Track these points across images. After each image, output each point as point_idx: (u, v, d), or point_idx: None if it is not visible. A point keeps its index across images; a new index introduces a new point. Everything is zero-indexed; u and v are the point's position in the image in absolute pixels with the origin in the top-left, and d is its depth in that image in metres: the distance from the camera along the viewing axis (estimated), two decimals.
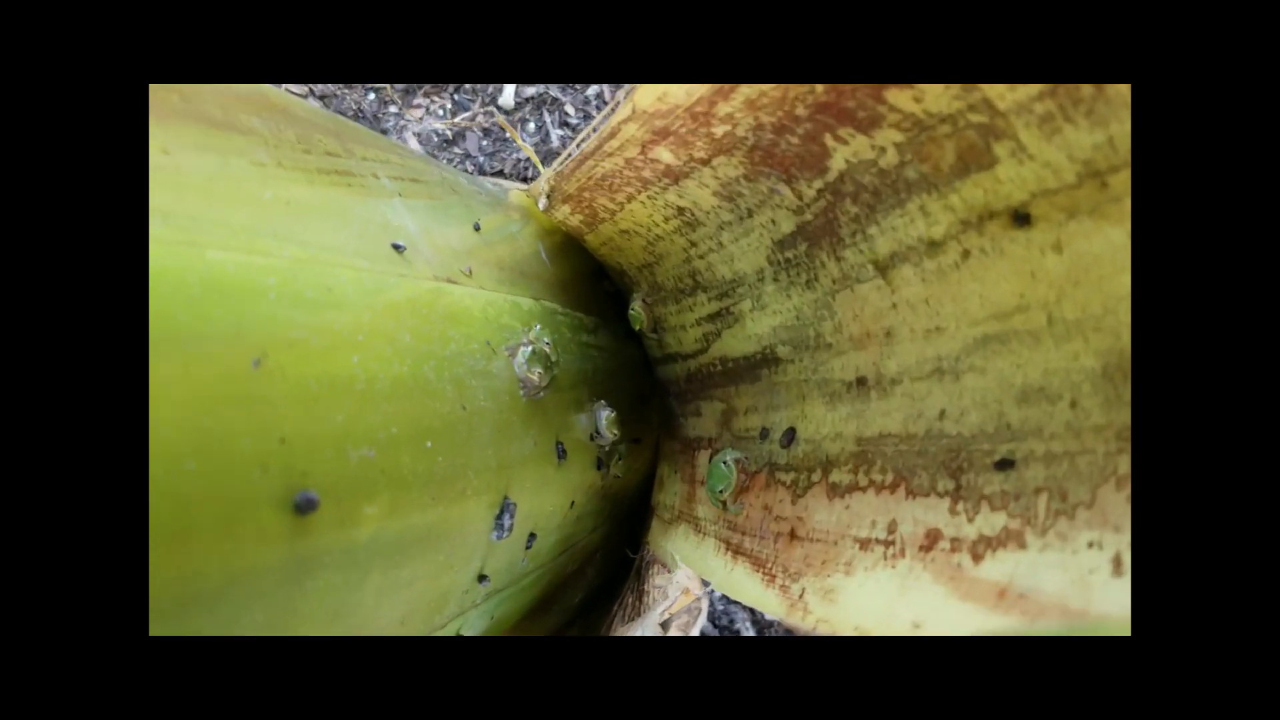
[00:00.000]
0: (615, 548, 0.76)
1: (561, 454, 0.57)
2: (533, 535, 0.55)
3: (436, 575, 0.45)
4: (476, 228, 0.59)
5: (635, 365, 0.74)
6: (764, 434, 0.53)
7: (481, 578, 0.50)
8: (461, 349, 0.47)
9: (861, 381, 0.44)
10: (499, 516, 0.49)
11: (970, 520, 0.36)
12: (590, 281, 0.72)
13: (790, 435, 0.50)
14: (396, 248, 0.48)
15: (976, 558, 0.35)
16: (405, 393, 0.41)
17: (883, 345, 0.42)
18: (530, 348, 0.52)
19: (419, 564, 0.43)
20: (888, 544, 0.40)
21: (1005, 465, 0.35)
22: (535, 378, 0.52)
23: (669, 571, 0.61)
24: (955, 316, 0.37)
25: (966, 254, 0.35)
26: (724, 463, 0.55)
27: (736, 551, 0.53)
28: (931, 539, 0.38)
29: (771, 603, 0.46)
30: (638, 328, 0.65)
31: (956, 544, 0.36)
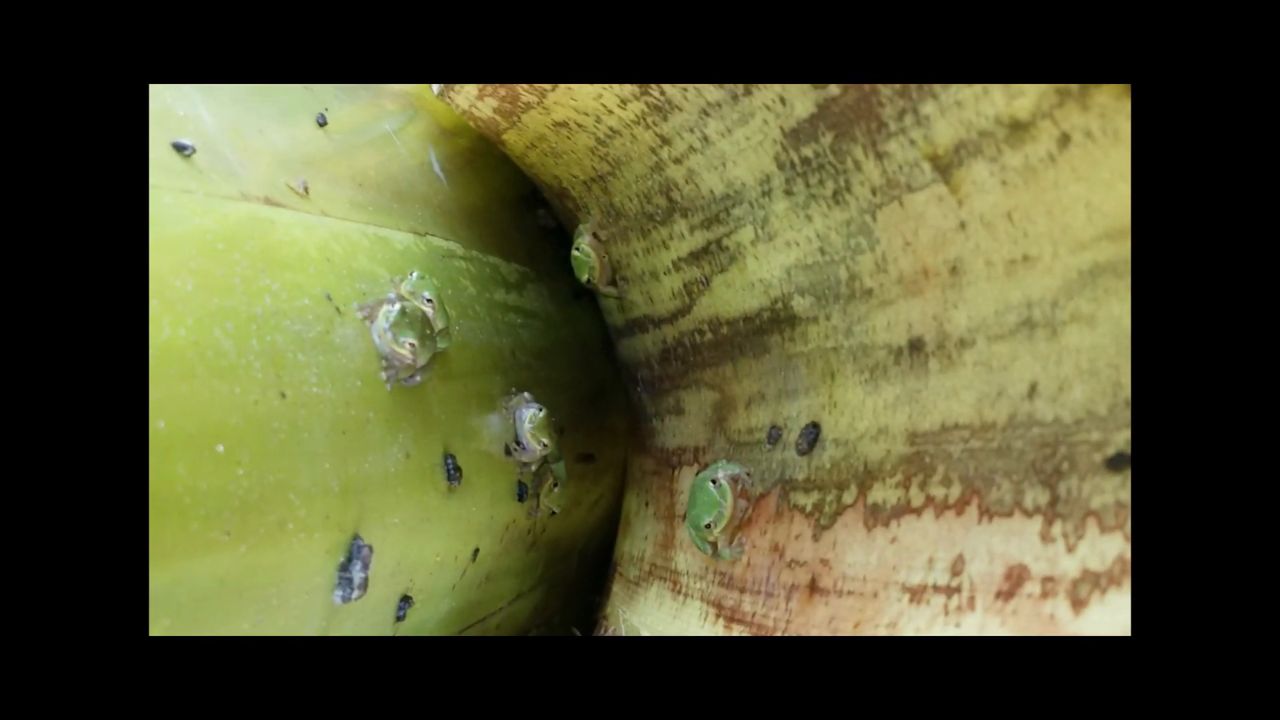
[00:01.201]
0: (560, 629, 0.77)
1: (453, 474, 0.57)
2: (407, 599, 0.55)
3: None
4: (321, 122, 0.60)
5: (586, 342, 0.75)
6: (774, 435, 0.54)
7: None
8: (283, 305, 0.47)
9: (917, 345, 0.45)
10: (345, 566, 0.49)
11: (1070, 549, 0.37)
12: (514, 211, 0.72)
13: (812, 434, 0.51)
14: (180, 149, 0.48)
15: (1078, 604, 0.36)
16: (182, 368, 0.41)
17: (946, 288, 0.42)
18: (399, 305, 0.52)
19: (208, 633, 0.42)
20: (950, 591, 0.41)
21: (1121, 463, 0.35)
22: (407, 352, 0.52)
23: None
24: (1051, 238, 0.37)
25: (1065, 140, 0.36)
26: (713, 483, 0.55)
27: (731, 618, 0.54)
28: (1014, 580, 0.38)
29: None
30: (586, 279, 0.66)
31: (1050, 586, 0.37)
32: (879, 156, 0.43)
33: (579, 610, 0.77)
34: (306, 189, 0.55)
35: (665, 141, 0.53)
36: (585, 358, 0.74)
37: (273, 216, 0.51)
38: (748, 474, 0.55)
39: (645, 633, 0.60)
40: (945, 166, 0.40)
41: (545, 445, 0.63)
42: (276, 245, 0.49)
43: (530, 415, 0.62)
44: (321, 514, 0.47)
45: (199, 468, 0.41)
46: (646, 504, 0.69)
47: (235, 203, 0.49)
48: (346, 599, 0.49)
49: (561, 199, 0.67)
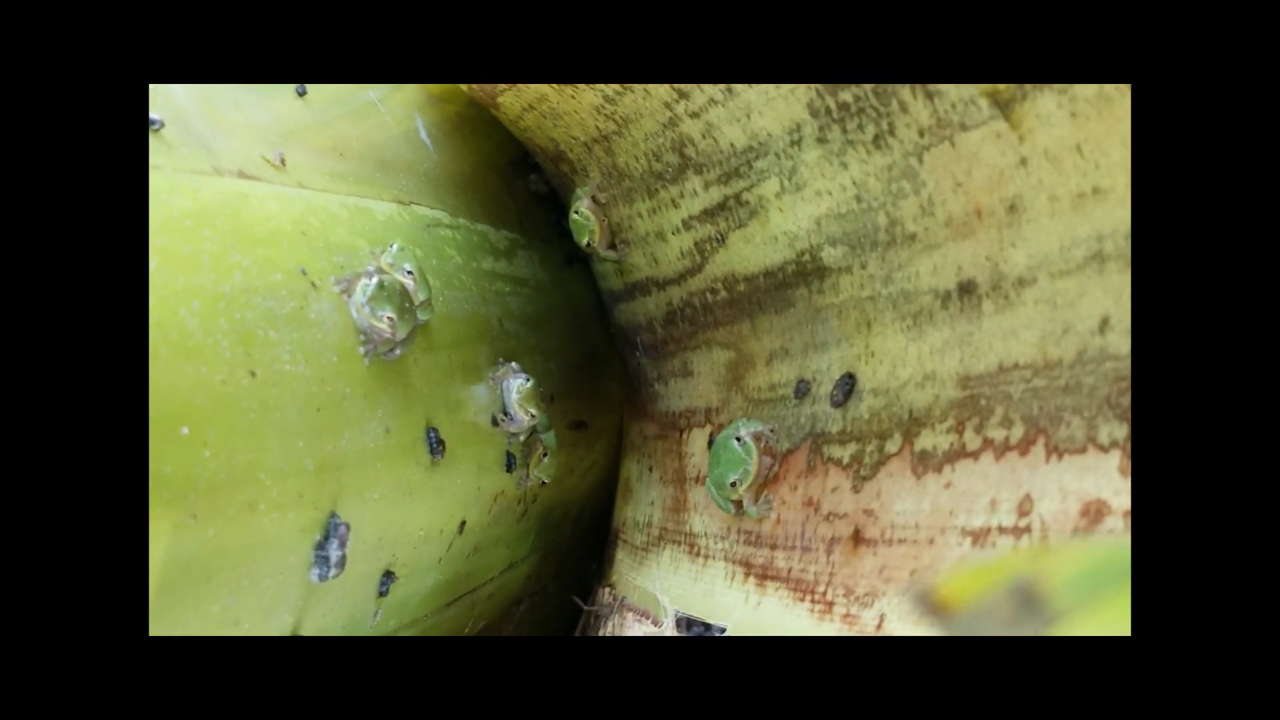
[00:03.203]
0: (554, 595, 0.75)
1: (436, 447, 0.55)
2: (389, 575, 0.54)
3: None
4: (301, 92, 0.58)
5: (578, 309, 0.73)
6: (801, 389, 0.53)
7: None
8: (254, 281, 0.46)
9: (967, 288, 0.43)
10: (321, 544, 0.48)
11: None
12: (505, 177, 0.71)
13: (848, 385, 0.50)
14: (149, 122, 0.47)
15: None
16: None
17: (1003, 227, 0.41)
18: (377, 279, 0.51)
19: (175, 619, 0.41)
20: (1019, 532, 0.40)
21: None
22: (385, 326, 0.50)
23: (654, 622, 0.60)
24: (1126, 168, 0.36)
25: None
26: (736, 440, 0.54)
27: (764, 575, 0.53)
28: (1092, 516, 0.38)
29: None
30: (585, 243, 0.64)
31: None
32: (929, 96, 0.41)
33: (574, 578, 0.75)
34: (283, 160, 0.53)
35: (682, 95, 0.51)
36: (577, 325, 0.73)
37: (246, 190, 0.49)
38: (772, 430, 0.54)
39: (667, 600, 0.58)
40: (1006, 102, 0.39)
41: (533, 415, 0.61)
42: (249, 220, 0.48)
43: (517, 385, 0.61)
44: (295, 493, 0.46)
45: (162, 451, 0.40)
46: (650, 469, 0.67)
47: (206, 177, 0.47)
48: (324, 577, 0.48)
49: (557, 163, 0.65)
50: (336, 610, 0.51)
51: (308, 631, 0.49)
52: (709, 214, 0.56)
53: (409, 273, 0.53)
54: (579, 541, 0.76)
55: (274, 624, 0.47)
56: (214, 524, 0.42)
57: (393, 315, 0.50)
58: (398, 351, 0.52)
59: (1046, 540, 0.39)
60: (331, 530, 0.48)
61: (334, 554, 0.48)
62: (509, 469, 0.63)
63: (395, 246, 0.54)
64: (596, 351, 0.74)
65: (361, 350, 0.50)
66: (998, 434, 0.42)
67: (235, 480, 0.43)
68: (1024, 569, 0.25)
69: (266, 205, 0.49)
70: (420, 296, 0.53)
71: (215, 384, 0.42)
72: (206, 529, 0.41)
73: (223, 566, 0.43)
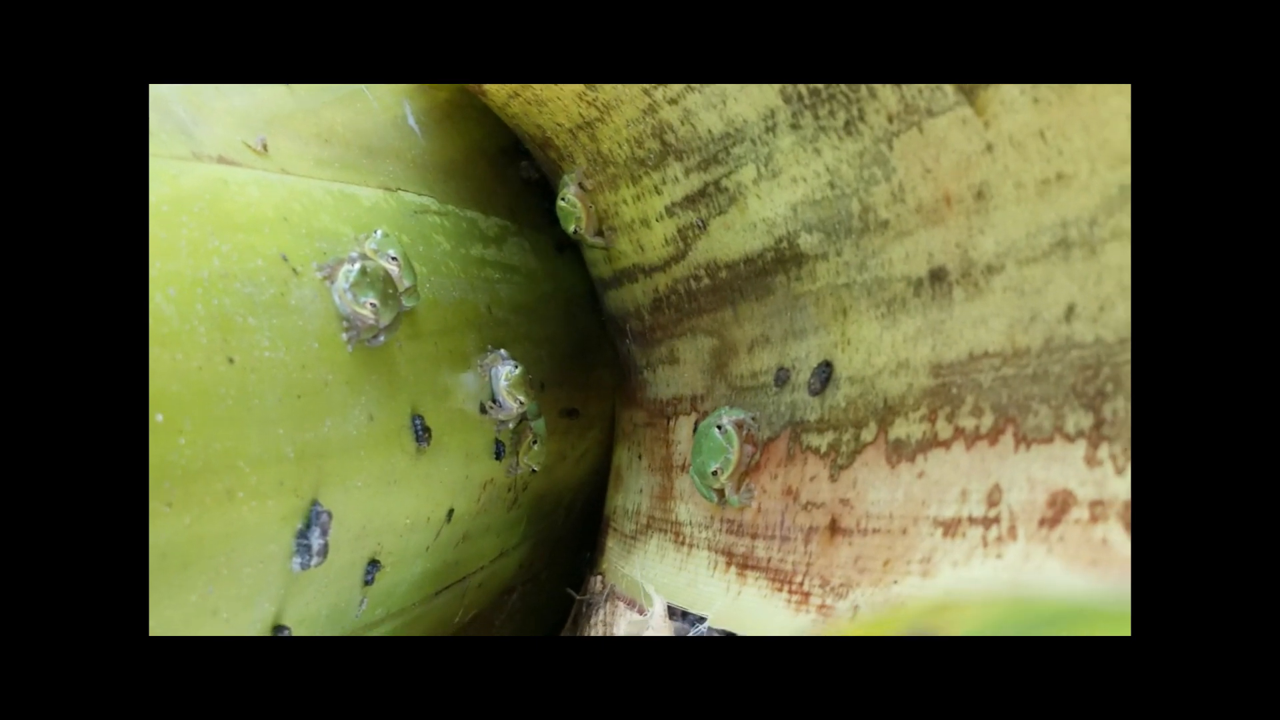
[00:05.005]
0: (547, 584, 0.75)
1: (422, 435, 0.56)
2: (374, 563, 0.54)
3: (186, 628, 0.44)
4: None
5: (570, 296, 0.73)
6: (781, 377, 0.53)
7: (277, 631, 0.49)
8: (232, 268, 0.46)
9: (939, 275, 0.43)
10: (302, 533, 0.48)
11: (1120, 471, 0.36)
12: (495, 163, 0.71)
13: (825, 374, 0.50)
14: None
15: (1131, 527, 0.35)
16: None
17: (971, 214, 0.41)
18: (360, 264, 0.51)
19: (151, 607, 0.41)
20: (988, 522, 0.40)
21: None
22: (368, 312, 0.50)
23: (639, 611, 0.60)
24: (1089, 154, 0.36)
25: None
26: (718, 428, 0.54)
27: (744, 565, 0.53)
28: (1059, 507, 0.38)
29: (807, 632, 0.46)
30: (572, 229, 0.64)
31: (1099, 510, 0.36)
32: (896, 83, 0.41)
33: (566, 567, 0.76)
34: (265, 146, 0.53)
35: (659, 82, 0.51)
36: (569, 312, 0.73)
37: (226, 176, 0.49)
38: (753, 418, 0.54)
39: (652, 588, 0.59)
40: (970, 88, 0.39)
41: (522, 402, 0.62)
42: (229, 206, 0.48)
43: (506, 373, 0.61)
44: (275, 480, 0.46)
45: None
46: (639, 457, 0.67)
47: (185, 162, 0.47)
48: (305, 566, 0.48)
49: (545, 149, 0.65)
50: (320, 599, 0.51)
51: (290, 620, 0.49)
52: (690, 200, 0.56)
53: (393, 259, 0.53)
54: (571, 530, 0.76)
55: (254, 613, 0.47)
56: (190, 512, 0.42)
57: (375, 301, 0.50)
58: (381, 338, 0.52)
59: (1015, 530, 0.39)
60: (313, 518, 0.48)
61: (316, 542, 0.48)
62: (498, 457, 0.63)
63: (379, 232, 0.54)
64: (588, 339, 0.74)
65: (344, 337, 0.50)
66: (968, 423, 0.42)
67: (212, 468, 0.43)
68: (924, 620, 0.25)
69: (247, 191, 0.49)
70: (405, 283, 0.53)
71: (192, 370, 0.42)
72: (183, 517, 0.42)
73: (200, 555, 0.43)
